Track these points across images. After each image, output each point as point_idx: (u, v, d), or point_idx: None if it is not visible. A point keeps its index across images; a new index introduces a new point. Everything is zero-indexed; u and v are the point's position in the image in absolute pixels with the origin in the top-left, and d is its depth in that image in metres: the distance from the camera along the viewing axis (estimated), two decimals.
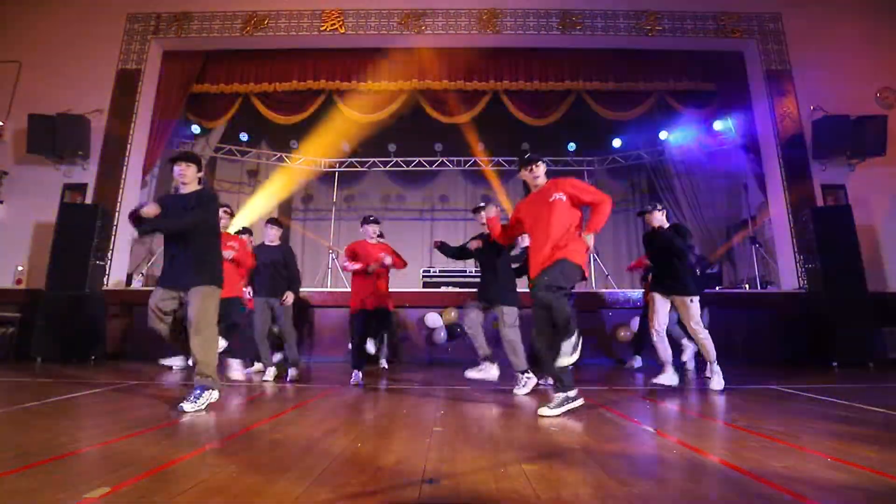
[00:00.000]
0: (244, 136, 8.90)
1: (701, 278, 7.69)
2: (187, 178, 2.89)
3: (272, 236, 4.46)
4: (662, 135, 8.65)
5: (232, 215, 4.45)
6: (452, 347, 6.31)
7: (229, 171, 9.91)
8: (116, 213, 6.70)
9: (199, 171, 2.96)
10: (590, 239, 2.78)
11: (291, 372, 4.28)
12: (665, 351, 3.87)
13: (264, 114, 7.80)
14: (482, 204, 3.65)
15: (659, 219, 3.97)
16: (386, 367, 5.49)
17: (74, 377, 4.19)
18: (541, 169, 3.01)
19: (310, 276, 9.44)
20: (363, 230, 4.38)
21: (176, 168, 2.88)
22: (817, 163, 6.76)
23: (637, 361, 5.54)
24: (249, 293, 4.63)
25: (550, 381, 3.79)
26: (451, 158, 9.65)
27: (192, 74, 7.56)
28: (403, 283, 8.21)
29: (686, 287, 3.72)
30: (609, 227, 10.81)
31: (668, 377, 3.81)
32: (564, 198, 2.84)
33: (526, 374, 3.46)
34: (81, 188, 6.76)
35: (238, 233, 4.61)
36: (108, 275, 6.50)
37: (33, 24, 7.43)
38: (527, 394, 3.38)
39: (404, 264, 4.42)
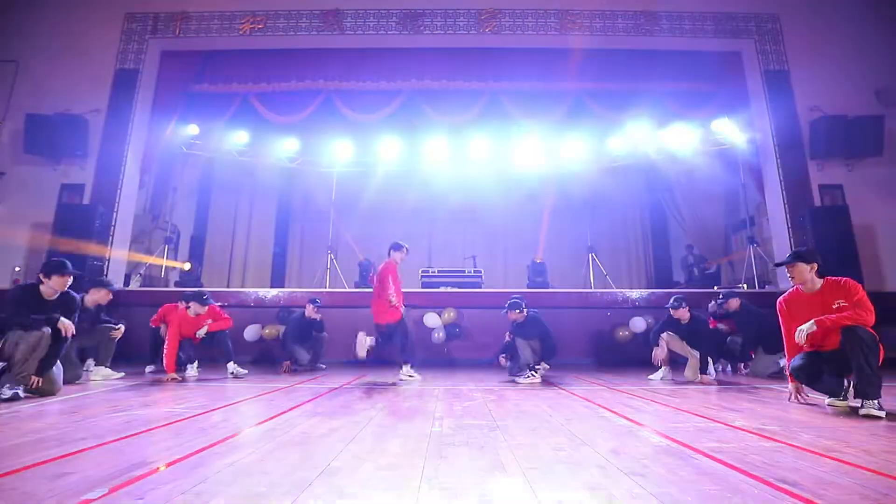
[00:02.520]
0: (243, 137, 8.87)
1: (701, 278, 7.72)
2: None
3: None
4: (661, 135, 8.64)
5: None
6: (450, 348, 6.30)
7: (227, 172, 9.88)
8: (114, 214, 6.68)
9: None
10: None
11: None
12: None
13: (263, 114, 7.79)
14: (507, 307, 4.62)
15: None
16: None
17: (71, 377, 4.16)
18: (796, 270, 2.98)
19: (308, 276, 9.53)
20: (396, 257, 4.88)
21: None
22: (815, 163, 6.79)
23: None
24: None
25: None
26: (451, 159, 9.62)
27: (190, 74, 7.55)
28: (403, 282, 8.17)
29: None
30: (607, 227, 10.79)
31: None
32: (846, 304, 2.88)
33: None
34: (79, 188, 6.74)
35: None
36: (106, 275, 6.47)
37: (31, 23, 7.41)
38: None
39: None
